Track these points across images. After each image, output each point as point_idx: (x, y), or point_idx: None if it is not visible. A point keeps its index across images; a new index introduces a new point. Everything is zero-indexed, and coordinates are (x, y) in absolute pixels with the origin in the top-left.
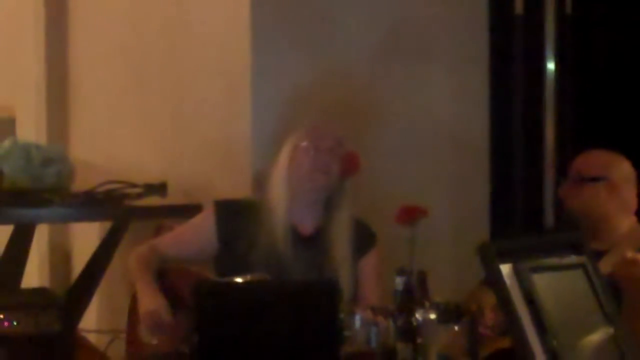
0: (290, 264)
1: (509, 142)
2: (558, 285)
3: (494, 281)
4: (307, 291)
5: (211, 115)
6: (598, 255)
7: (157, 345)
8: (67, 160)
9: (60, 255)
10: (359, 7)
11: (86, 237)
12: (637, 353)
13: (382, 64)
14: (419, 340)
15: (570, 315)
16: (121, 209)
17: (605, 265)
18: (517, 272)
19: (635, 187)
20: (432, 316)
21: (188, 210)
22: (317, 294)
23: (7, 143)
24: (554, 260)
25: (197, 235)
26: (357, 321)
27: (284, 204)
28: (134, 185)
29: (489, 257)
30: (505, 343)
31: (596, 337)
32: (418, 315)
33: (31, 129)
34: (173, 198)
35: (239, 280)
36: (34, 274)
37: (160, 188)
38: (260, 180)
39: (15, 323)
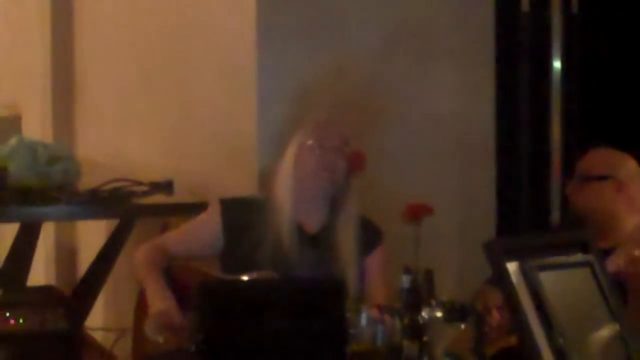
0: (296, 261)
1: (515, 140)
2: (564, 283)
3: (501, 279)
4: (313, 289)
5: (217, 113)
6: (604, 253)
7: (163, 343)
8: (73, 158)
9: (66, 253)
10: (365, 4)
11: (92, 235)
12: None
13: (388, 61)
14: (425, 339)
15: (576, 313)
16: (127, 207)
17: (612, 264)
18: (523, 270)
19: None
20: (439, 314)
21: (194, 208)
22: (323, 292)
23: (13, 141)
24: (560, 259)
25: (203, 232)
26: (363, 319)
27: (289, 202)
28: (140, 183)
29: (496, 255)
30: (511, 341)
31: (603, 334)
32: (424, 314)
33: (37, 127)
34: (179, 196)
35: (244, 278)
36: (40, 272)
37: (166, 186)
38: (265, 178)
39: (21, 321)
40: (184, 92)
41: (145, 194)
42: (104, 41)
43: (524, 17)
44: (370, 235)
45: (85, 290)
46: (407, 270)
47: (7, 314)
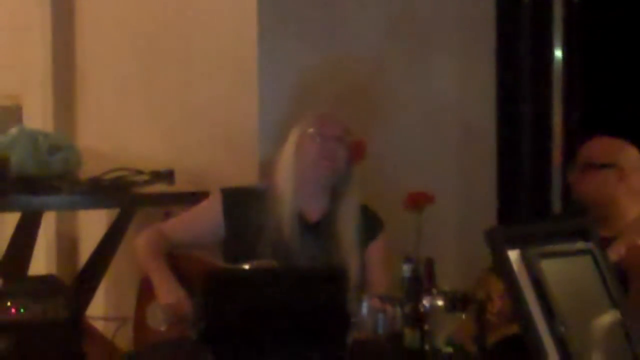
0: (298, 250)
1: (516, 129)
2: (566, 271)
3: (502, 267)
4: (315, 278)
5: (218, 103)
6: (606, 241)
7: (165, 332)
8: (74, 147)
9: (67, 243)
10: None
11: (93, 225)
12: None
13: (389, 51)
14: (426, 327)
15: (578, 302)
16: (128, 196)
17: (613, 252)
18: (525, 258)
19: None
20: (440, 303)
21: (195, 198)
22: (324, 281)
23: (14, 131)
24: (562, 247)
25: (204, 221)
26: (365, 308)
27: (290, 191)
28: (141, 173)
29: (497, 243)
30: (513, 329)
31: (604, 322)
32: (425, 302)
33: (38, 117)
34: (180, 185)
35: (245, 267)
36: (41, 262)
37: (167, 175)
38: (267, 168)
39: (22, 310)
40: (185, 82)
41: (146, 183)
42: (105, 31)
43: (525, 7)
44: (371, 225)
45: (86, 280)
46: (408, 259)
47: (8, 304)
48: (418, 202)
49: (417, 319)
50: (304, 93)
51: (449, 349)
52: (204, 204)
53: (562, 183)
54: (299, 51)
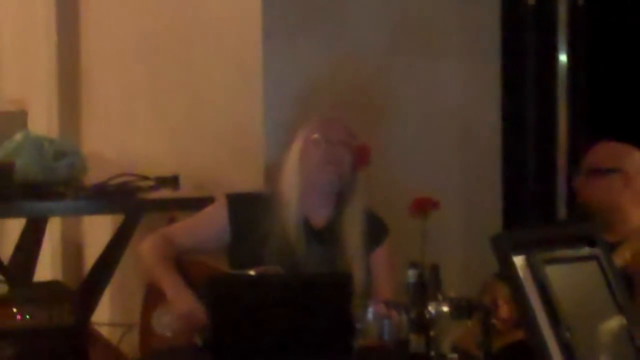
0: (303, 256)
1: (521, 134)
2: (571, 277)
3: (508, 273)
4: (320, 284)
5: (223, 108)
6: (612, 247)
7: (170, 338)
8: (79, 153)
9: (72, 249)
10: (371, 0)
11: (98, 230)
12: None
13: (394, 55)
14: (431, 333)
15: (583, 307)
16: (133, 202)
17: (619, 257)
18: (530, 264)
19: None
20: (445, 309)
21: (200, 203)
22: (329, 287)
23: (19, 136)
24: (567, 252)
25: (209, 226)
26: (370, 314)
27: (295, 196)
28: (146, 178)
29: (503, 248)
30: (518, 335)
31: (610, 328)
32: (431, 308)
33: (43, 122)
34: (185, 191)
35: (251, 273)
36: (47, 267)
37: (172, 181)
38: (272, 173)
39: (28, 316)
40: (190, 87)
41: (151, 188)
42: (110, 36)
43: (530, 10)
44: (376, 230)
45: (91, 286)
46: (414, 265)
47: (14, 310)
48: (423, 207)
49: (423, 325)
50: (309, 97)
51: (455, 355)
52: (209, 209)
53: (567, 188)
54: (303, 55)
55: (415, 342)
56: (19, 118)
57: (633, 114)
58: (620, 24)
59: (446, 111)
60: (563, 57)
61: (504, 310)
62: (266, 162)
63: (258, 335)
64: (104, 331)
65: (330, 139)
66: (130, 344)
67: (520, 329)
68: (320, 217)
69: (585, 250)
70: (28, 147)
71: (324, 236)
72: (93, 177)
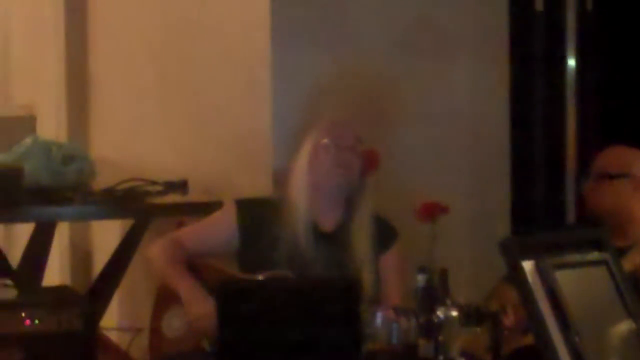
0: (312, 261)
1: (529, 139)
2: (580, 282)
3: (517, 278)
4: (328, 288)
5: (231, 113)
6: (621, 251)
7: (180, 342)
8: (87, 158)
9: (81, 253)
10: (379, 3)
11: (107, 235)
12: None
13: (402, 60)
14: (440, 338)
15: (592, 312)
16: (142, 206)
17: (628, 262)
18: (539, 269)
19: None
20: (454, 313)
21: (208, 208)
22: (338, 291)
23: (28, 141)
24: (576, 257)
25: (217, 231)
26: (379, 318)
27: (304, 201)
28: (154, 183)
29: (512, 253)
30: (527, 340)
31: (619, 332)
32: (439, 313)
33: (52, 127)
34: (194, 196)
35: (260, 277)
36: (55, 272)
37: (180, 186)
38: (280, 178)
39: (36, 321)
40: (198, 91)
41: (159, 193)
42: (118, 41)
43: (539, 15)
44: (385, 234)
45: (100, 290)
46: (422, 270)
47: (23, 314)
48: (431, 212)
49: (431, 329)
50: (317, 101)
51: None
52: (218, 214)
53: (576, 193)
54: (311, 59)
55: (424, 347)
56: (27, 123)
57: None
58: (629, 29)
59: (455, 115)
60: (571, 62)
61: (513, 314)
62: (274, 166)
63: (267, 339)
64: (113, 336)
65: (339, 144)
66: (139, 348)
67: (529, 333)
68: (329, 221)
69: (594, 255)
70: (37, 151)
71: (333, 240)
72: (101, 181)
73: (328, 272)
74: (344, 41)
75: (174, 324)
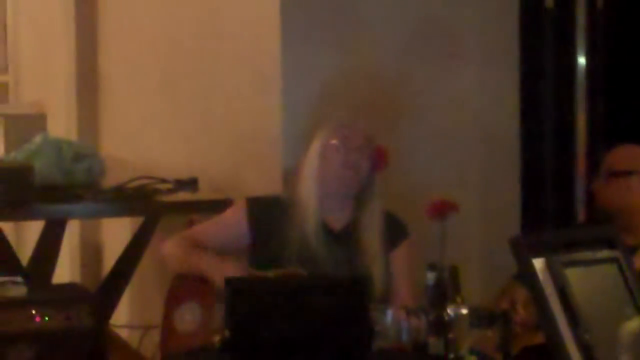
0: (323, 259)
1: (539, 137)
2: (591, 279)
3: (527, 276)
4: (338, 286)
5: (241, 111)
6: (631, 249)
7: (192, 336)
8: (97, 156)
9: (91, 251)
10: (389, 4)
11: (117, 233)
12: None
13: (411, 59)
14: (450, 335)
15: (603, 310)
16: (152, 204)
17: (639, 259)
18: (550, 267)
19: None
20: (464, 311)
21: (218, 206)
22: (348, 289)
23: (38, 139)
24: (587, 255)
25: (229, 229)
26: (389, 316)
27: (314, 200)
28: (164, 181)
29: (522, 251)
30: (538, 338)
31: (630, 330)
32: (450, 310)
33: (62, 125)
34: (203, 193)
35: (271, 275)
36: (65, 270)
37: (190, 183)
38: (290, 177)
39: (46, 319)
40: (208, 89)
41: (169, 191)
42: (128, 40)
43: (548, 14)
44: (395, 231)
45: (110, 288)
46: (432, 267)
47: (33, 312)
48: (441, 210)
49: (442, 327)
50: (327, 100)
51: (473, 358)
52: (229, 213)
53: (586, 191)
54: (321, 59)
55: (434, 345)
56: (38, 121)
57: None
58: (639, 28)
59: (465, 114)
60: (582, 61)
61: (523, 312)
62: (283, 165)
63: (276, 337)
64: (123, 333)
65: (348, 144)
66: (149, 346)
67: (540, 331)
68: (339, 220)
69: (605, 253)
70: (47, 149)
71: (343, 238)
72: (112, 179)
73: (338, 270)
74: (354, 41)
75: (186, 318)
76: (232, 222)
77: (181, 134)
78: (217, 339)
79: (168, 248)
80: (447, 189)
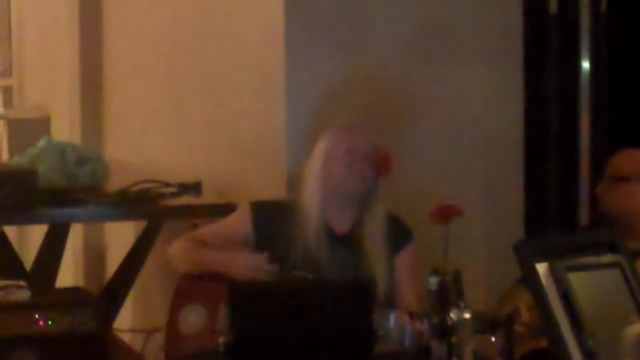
0: (327, 262)
1: (543, 141)
2: (594, 284)
3: (530, 280)
4: (341, 290)
5: (245, 115)
6: (634, 254)
7: (196, 338)
8: (101, 159)
9: (94, 255)
10: (392, 6)
11: (120, 237)
12: None
13: (415, 61)
14: (453, 340)
15: (606, 314)
16: (155, 208)
17: None
18: (553, 271)
19: None
20: (467, 316)
21: (222, 210)
22: (351, 293)
23: (42, 142)
24: (590, 259)
25: (233, 233)
26: (392, 320)
27: (317, 204)
28: (168, 185)
29: (526, 256)
30: (541, 342)
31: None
32: (452, 315)
33: (66, 129)
34: (207, 197)
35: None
36: (69, 274)
37: (194, 187)
38: (294, 181)
39: (50, 322)
40: (212, 93)
41: (173, 195)
42: (132, 43)
43: (552, 17)
44: (400, 235)
45: (113, 292)
46: (435, 272)
47: (36, 315)
48: (445, 215)
49: (444, 331)
50: (331, 104)
51: None
52: (234, 216)
53: (590, 194)
54: (325, 62)
55: (437, 349)
56: (41, 125)
57: None
58: None
59: (468, 119)
60: (586, 64)
61: (526, 317)
62: (288, 169)
63: (279, 340)
64: (126, 337)
65: (353, 154)
66: (152, 349)
67: (543, 336)
68: (343, 223)
69: (608, 257)
70: (51, 153)
71: (347, 242)
72: (115, 183)
73: (342, 273)
74: (358, 44)
75: (191, 320)
76: (237, 226)
77: (185, 138)
78: (221, 341)
79: (175, 248)
80: (450, 192)
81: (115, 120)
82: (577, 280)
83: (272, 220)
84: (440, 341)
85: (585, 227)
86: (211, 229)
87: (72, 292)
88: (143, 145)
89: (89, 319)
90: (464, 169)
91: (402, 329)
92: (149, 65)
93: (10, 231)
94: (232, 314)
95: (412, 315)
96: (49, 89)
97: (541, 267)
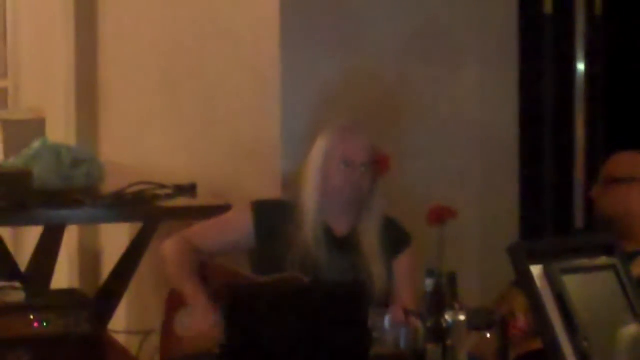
0: (325, 264)
1: (538, 143)
2: (589, 286)
3: (525, 282)
4: (337, 292)
5: (241, 116)
6: (629, 256)
7: (192, 341)
8: (96, 161)
9: (89, 256)
10: (389, 6)
11: (116, 238)
12: None
13: (411, 63)
14: (448, 342)
15: (601, 317)
16: (151, 210)
17: (637, 267)
18: (548, 274)
19: None
20: (462, 318)
21: (217, 211)
22: (346, 295)
23: (37, 144)
24: (585, 262)
25: (233, 232)
26: (387, 323)
27: (316, 206)
28: (163, 187)
29: (520, 258)
30: (536, 344)
31: (627, 337)
32: (448, 317)
33: (61, 130)
34: (202, 199)
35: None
36: (64, 275)
37: (189, 189)
38: (291, 181)
39: (44, 324)
40: (207, 95)
41: (168, 197)
42: (127, 44)
43: (548, 19)
44: (398, 238)
45: (108, 293)
46: (430, 273)
47: (31, 317)
48: (440, 216)
49: (439, 334)
50: (327, 104)
51: None
52: (234, 215)
53: (585, 196)
54: (321, 63)
55: (432, 351)
56: (37, 126)
57: None
58: (638, 34)
59: (464, 119)
60: (581, 66)
61: (521, 319)
62: (283, 170)
63: (275, 343)
64: (121, 339)
65: (349, 165)
66: (147, 351)
67: (538, 338)
68: (341, 225)
69: (603, 260)
70: (46, 154)
71: (346, 244)
72: (110, 185)
73: (341, 275)
74: (354, 45)
75: (185, 322)
76: (238, 226)
77: (180, 140)
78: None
79: (167, 250)
80: (446, 194)
81: (110, 122)
82: (572, 283)
83: (274, 220)
84: (436, 343)
85: (580, 230)
86: (207, 229)
87: (68, 294)
88: (138, 146)
89: (84, 321)
90: (459, 171)
91: (397, 331)
92: (144, 66)
93: (5, 232)
94: (228, 316)
95: (407, 312)
96: (44, 91)
97: (536, 270)
